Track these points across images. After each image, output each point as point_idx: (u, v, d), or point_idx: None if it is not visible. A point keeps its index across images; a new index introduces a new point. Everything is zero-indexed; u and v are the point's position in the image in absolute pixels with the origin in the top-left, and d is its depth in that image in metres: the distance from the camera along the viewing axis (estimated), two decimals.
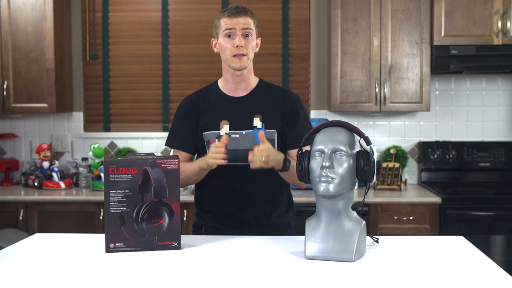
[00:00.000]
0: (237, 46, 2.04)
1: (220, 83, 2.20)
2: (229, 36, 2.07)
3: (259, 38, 2.17)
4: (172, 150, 2.28)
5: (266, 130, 2.12)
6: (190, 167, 2.09)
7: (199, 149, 2.19)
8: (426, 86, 3.57)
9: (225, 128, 2.12)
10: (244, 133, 2.11)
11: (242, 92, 2.17)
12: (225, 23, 2.07)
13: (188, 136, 2.17)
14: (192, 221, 3.29)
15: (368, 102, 3.60)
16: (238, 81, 2.14)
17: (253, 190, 2.13)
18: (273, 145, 2.12)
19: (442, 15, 3.51)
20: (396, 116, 3.91)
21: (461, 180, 3.80)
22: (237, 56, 2.06)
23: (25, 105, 3.71)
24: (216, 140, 2.12)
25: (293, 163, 2.04)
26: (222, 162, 1.95)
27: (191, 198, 3.28)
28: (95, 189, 3.58)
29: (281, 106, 2.15)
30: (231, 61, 2.08)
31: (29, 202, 3.43)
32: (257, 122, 2.12)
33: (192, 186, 3.46)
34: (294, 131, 2.13)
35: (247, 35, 2.07)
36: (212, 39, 2.17)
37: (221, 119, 2.13)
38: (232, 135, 2.12)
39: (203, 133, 2.15)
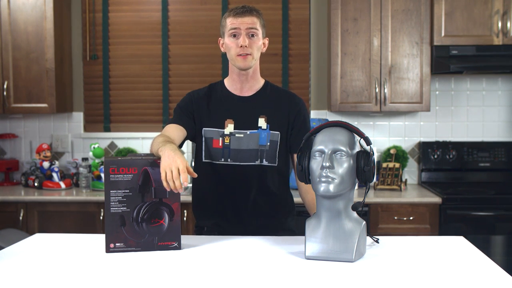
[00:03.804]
0: (241, 46, 2.05)
1: (227, 82, 2.20)
2: (234, 35, 2.07)
3: (267, 38, 2.17)
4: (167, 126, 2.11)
5: (271, 131, 2.12)
6: (158, 142, 1.87)
7: (197, 143, 2.18)
8: (426, 86, 3.57)
9: (229, 127, 2.12)
10: (248, 133, 2.11)
11: (247, 92, 2.17)
12: (230, 22, 2.07)
13: (189, 120, 2.13)
14: (192, 221, 3.31)
15: (368, 102, 3.60)
16: (243, 80, 2.14)
17: (253, 191, 2.13)
18: (276, 147, 2.12)
19: (442, 15, 3.51)
20: (396, 116, 3.91)
21: (461, 180, 3.80)
22: (241, 55, 2.06)
23: (25, 105, 3.71)
24: (220, 138, 2.11)
25: None
26: (165, 183, 1.71)
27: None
28: (95, 189, 3.58)
29: (287, 109, 2.15)
30: (236, 60, 2.07)
31: (29, 202, 3.43)
32: (262, 122, 2.12)
33: (190, 185, 3.46)
34: (300, 136, 2.11)
35: (252, 35, 2.07)
36: (220, 38, 2.17)
37: (226, 118, 2.13)
38: (237, 135, 2.12)
39: (204, 129, 2.14)
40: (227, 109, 2.14)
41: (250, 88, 2.16)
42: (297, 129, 2.14)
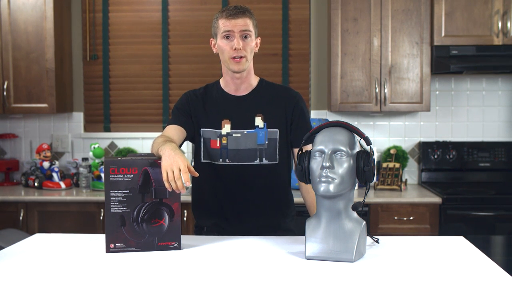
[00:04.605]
0: (235, 49, 2.03)
1: (222, 82, 2.20)
2: (227, 37, 2.05)
3: (259, 38, 2.15)
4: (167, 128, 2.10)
5: (268, 130, 2.12)
6: (158, 142, 1.88)
7: (196, 143, 2.18)
8: (426, 86, 3.57)
9: (226, 127, 2.12)
10: (245, 132, 2.11)
11: (243, 92, 2.16)
12: (223, 24, 2.05)
13: (187, 120, 2.13)
14: (192, 221, 3.31)
15: (368, 102, 3.60)
16: (238, 83, 2.14)
17: (253, 190, 2.13)
18: (275, 144, 2.12)
19: (442, 15, 3.51)
20: (396, 116, 3.91)
21: (461, 180, 3.80)
22: (236, 58, 2.05)
23: (25, 105, 3.71)
24: (218, 139, 2.11)
25: None
26: (167, 183, 1.71)
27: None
28: (95, 189, 3.58)
29: (284, 105, 2.14)
30: (229, 63, 2.06)
31: (29, 202, 3.43)
32: (259, 121, 2.12)
33: (191, 185, 3.46)
34: (299, 129, 2.12)
35: (245, 37, 2.05)
36: (211, 39, 2.15)
37: (222, 118, 2.13)
38: (234, 135, 2.11)
39: (202, 129, 2.14)
40: (223, 109, 2.14)
41: (246, 88, 2.16)
42: (296, 123, 2.14)
